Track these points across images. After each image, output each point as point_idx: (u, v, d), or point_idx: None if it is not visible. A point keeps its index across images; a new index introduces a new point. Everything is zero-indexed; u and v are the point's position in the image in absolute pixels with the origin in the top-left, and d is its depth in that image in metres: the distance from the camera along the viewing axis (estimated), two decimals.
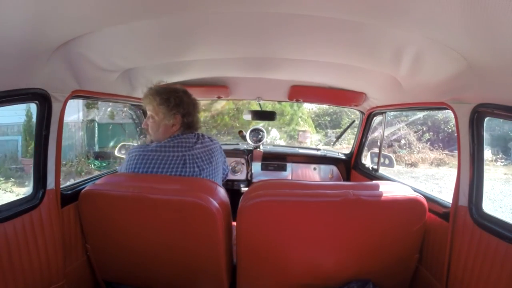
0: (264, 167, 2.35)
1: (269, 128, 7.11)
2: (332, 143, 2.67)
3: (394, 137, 7.49)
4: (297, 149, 2.54)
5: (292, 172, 2.34)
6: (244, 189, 2.30)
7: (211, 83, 1.88)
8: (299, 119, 7.22)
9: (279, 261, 1.08)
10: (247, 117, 2.22)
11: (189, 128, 1.26)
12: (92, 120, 7.07)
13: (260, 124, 2.58)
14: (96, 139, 7.14)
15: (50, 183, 1.05)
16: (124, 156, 1.86)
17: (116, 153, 2.02)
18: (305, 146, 5.50)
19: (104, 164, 6.60)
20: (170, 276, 1.16)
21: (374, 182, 1.16)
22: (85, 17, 0.82)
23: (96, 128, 7.17)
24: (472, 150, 1.02)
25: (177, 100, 1.21)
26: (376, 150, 1.94)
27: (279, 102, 6.05)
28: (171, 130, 1.22)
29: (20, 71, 0.88)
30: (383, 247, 1.09)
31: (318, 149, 2.46)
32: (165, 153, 1.17)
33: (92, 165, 6.54)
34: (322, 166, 2.35)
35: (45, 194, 1.04)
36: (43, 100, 0.99)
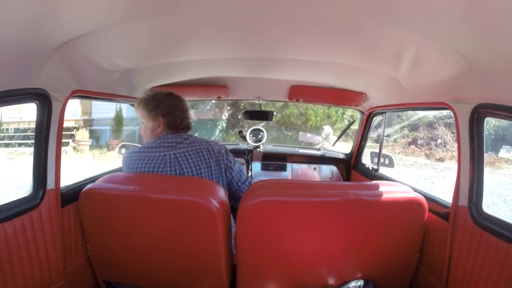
0: (264, 167, 2.35)
1: (323, 126, 8.02)
2: (332, 143, 2.66)
3: (432, 136, 7.93)
4: (297, 149, 2.54)
5: (292, 172, 2.34)
6: None
7: (211, 83, 1.88)
8: (345, 120, 8.24)
9: (279, 261, 1.08)
10: (244, 117, 2.22)
11: (173, 128, 1.25)
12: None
13: (261, 124, 2.57)
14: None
15: (50, 183, 1.05)
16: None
17: (116, 153, 2.01)
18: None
19: None
20: (170, 275, 1.16)
21: (374, 182, 1.16)
22: (85, 17, 0.82)
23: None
24: (472, 150, 1.01)
25: (156, 102, 1.24)
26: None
27: (329, 107, 7.22)
28: (156, 132, 1.26)
29: (20, 71, 0.88)
30: (383, 247, 1.09)
31: (318, 149, 2.46)
32: (147, 153, 1.21)
33: None
34: (322, 166, 2.35)
35: (45, 194, 1.03)
36: (43, 100, 0.99)
